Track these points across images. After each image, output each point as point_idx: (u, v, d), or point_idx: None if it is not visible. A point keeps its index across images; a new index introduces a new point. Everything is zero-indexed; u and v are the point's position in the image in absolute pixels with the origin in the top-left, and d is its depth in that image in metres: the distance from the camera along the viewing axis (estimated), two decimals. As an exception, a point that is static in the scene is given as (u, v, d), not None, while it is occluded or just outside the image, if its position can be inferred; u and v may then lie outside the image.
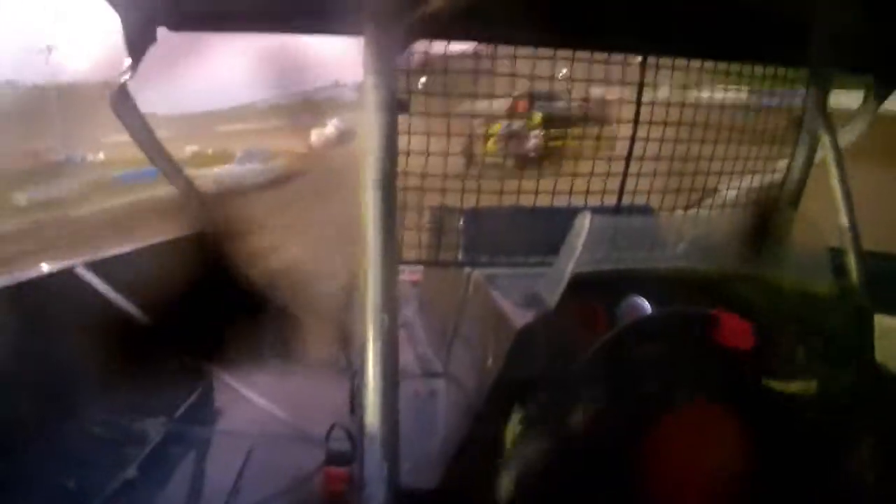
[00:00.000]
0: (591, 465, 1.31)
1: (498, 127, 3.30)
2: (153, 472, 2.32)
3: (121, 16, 1.83)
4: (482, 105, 2.35)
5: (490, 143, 3.38)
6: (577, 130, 2.79)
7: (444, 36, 1.95)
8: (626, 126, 2.33)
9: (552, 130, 3.55)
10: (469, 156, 2.79)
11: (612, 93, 2.41)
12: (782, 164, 2.37)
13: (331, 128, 18.06)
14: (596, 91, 2.36)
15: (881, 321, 1.75)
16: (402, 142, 1.86)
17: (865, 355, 1.68)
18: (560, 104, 2.99)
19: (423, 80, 2.15)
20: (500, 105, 2.63)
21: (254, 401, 2.61)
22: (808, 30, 1.73)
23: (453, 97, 2.15)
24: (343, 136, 16.91)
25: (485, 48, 2.10)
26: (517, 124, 3.50)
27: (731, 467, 1.26)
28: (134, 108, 2.20)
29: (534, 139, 3.96)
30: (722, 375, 1.33)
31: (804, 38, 1.80)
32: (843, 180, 2.13)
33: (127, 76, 2.01)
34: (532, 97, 3.00)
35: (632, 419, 1.31)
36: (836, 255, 1.95)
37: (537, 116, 3.66)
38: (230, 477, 2.23)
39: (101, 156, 17.27)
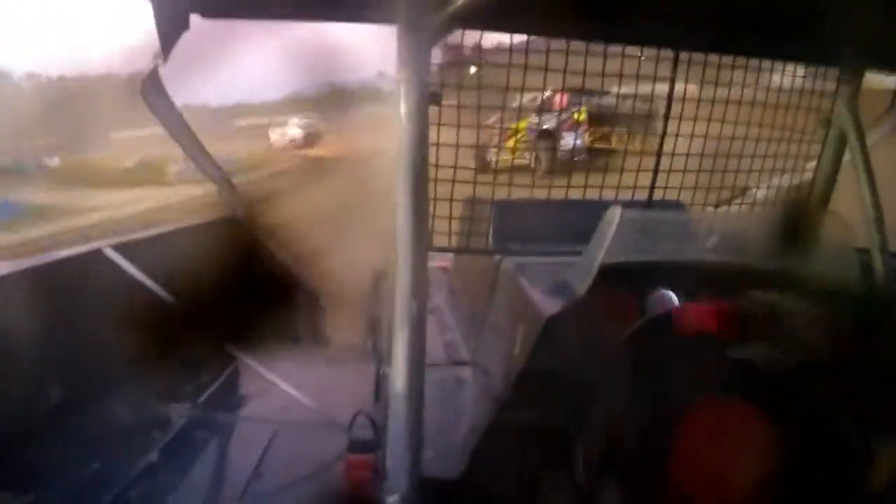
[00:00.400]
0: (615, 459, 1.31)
1: (525, 124, 3.03)
2: (176, 457, 2.34)
3: (153, 2, 1.84)
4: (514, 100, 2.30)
5: (513, 142, 3.05)
6: (622, 129, 2.64)
7: (477, 27, 1.94)
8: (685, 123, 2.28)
9: (597, 129, 3.24)
10: (482, 162, 2.62)
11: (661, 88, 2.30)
12: (812, 163, 2.36)
13: (294, 128, 16.84)
14: (643, 87, 2.29)
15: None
16: (433, 133, 1.87)
17: (892, 352, 1.66)
18: (607, 100, 2.71)
19: (472, 70, 2.14)
20: (532, 99, 2.53)
21: (279, 387, 2.63)
22: (838, 29, 1.72)
23: (487, 90, 2.14)
24: (310, 138, 15.97)
25: (516, 42, 2.09)
26: (550, 121, 3.10)
27: (757, 463, 1.26)
28: (165, 95, 2.21)
29: (572, 138, 3.31)
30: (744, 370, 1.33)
31: (835, 37, 1.78)
32: (871, 180, 2.12)
33: (158, 63, 2.02)
34: (574, 91, 2.74)
35: (658, 413, 1.31)
36: (864, 254, 1.93)
37: (582, 112, 3.21)
38: (253, 462, 2.25)
39: (56, 161, 16.00)
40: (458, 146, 2.09)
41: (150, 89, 2.16)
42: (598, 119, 3.31)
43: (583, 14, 1.71)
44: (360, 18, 1.91)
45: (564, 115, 3.04)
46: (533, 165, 2.99)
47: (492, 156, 2.80)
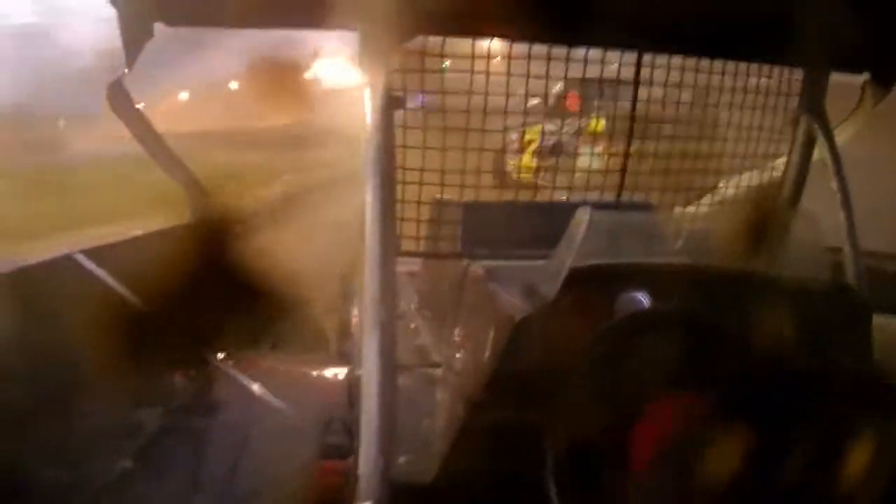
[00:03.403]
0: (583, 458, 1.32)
1: (535, 133, 2.54)
2: (149, 463, 2.32)
3: (118, 10, 1.84)
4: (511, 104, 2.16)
5: (527, 156, 2.64)
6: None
7: (438, 32, 1.93)
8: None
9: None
10: (501, 174, 2.42)
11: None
12: (781, 161, 2.38)
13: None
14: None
15: (880, 321, 1.76)
16: (399, 136, 1.87)
17: (863, 352, 1.69)
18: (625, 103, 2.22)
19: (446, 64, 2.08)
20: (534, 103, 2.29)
21: (252, 391, 2.62)
22: (802, 29, 1.74)
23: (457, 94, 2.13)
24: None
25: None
26: (563, 130, 2.62)
27: (722, 459, 1.27)
28: (130, 102, 2.22)
29: (588, 156, 2.46)
30: (714, 368, 1.34)
31: (799, 37, 1.80)
32: (841, 179, 2.14)
33: (123, 71, 2.02)
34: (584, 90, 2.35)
35: (623, 411, 1.32)
36: (834, 253, 1.96)
37: (599, 121, 2.49)
38: (226, 467, 2.24)
39: None
40: (424, 148, 2.09)
41: (115, 96, 2.17)
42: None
43: (543, 17, 1.71)
44: (322, 25, 1.92)
45: (581, 123, 2.53)
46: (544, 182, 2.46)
47: (512, 168, 2.59)
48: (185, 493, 2.28)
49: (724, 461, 1.25)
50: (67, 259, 2.56)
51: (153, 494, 2.24)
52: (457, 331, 2.03)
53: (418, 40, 1.92)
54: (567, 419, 1.34)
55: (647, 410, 1.31)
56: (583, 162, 2.48)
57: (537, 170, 2.47)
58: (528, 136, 2.59)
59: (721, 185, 2.41)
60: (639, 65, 2.18)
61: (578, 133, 2.59)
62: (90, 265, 2.58)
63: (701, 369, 1.35)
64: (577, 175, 2.22)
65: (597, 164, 2.40)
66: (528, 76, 2.09)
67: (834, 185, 2.11)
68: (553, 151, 2.53)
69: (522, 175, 2.59)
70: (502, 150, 2.40)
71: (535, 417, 1.34)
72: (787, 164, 2.35)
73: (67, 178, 7.78)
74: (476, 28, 1.93)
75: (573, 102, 2.57)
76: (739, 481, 1.24)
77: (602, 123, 2.47)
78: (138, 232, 3.03)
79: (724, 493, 1.25)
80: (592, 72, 2.14)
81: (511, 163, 2.61)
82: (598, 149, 2.45)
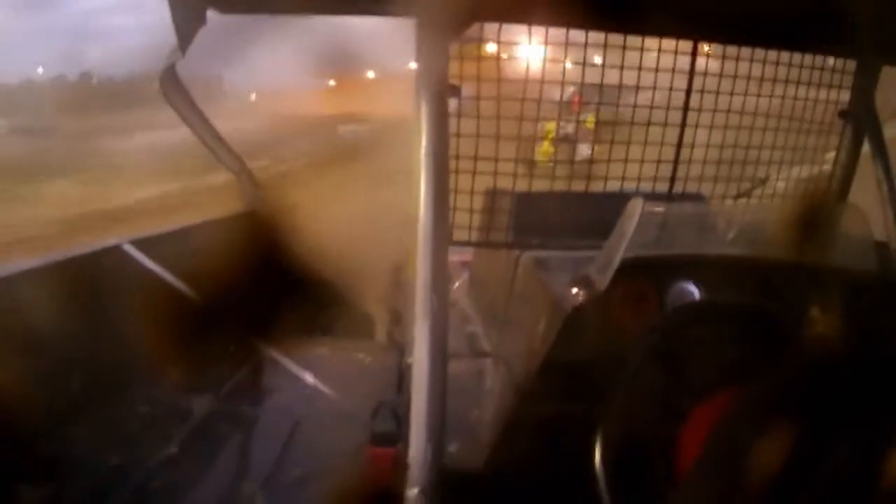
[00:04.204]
0: (633, 453, 1.32)
1: (552, 126, 2.71)
2: (197, 449, 2.36)
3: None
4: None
5: (545, 146, 2.76)
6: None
7: (496, 19, 1.94)
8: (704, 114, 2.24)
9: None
10: (529, 162, 2.46)
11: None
12: (831, 155, 2.35)
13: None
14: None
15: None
16: (453, 125, 1.88)
17: None
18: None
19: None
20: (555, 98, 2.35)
21: (301, 379, 2.65)
22: (855, 19, 1.71)
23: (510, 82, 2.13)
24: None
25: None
26: (571, 125, 2.79)
27: (774, 457, 1.26)
28: (183, 90, 2.25)
29: (586, 148, 2.74)
30: (770, 364, 1.33)
31: (852, 28, 1.78)
32: (888, 173, 2.11)
33: (175, 59, 2.04)
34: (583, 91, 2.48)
35: (675, 405, 1.31)
36: (883, 248, 1.93)
37: (591, 118, 2.72)
38: (274, 454, 2.27)
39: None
40: (478, 136, 2.09)
41: (168, 84, 2.19)
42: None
43: (601, 5, 1.71)
44: (377, 12, 1.92)
45: (581, 119, 2.74)
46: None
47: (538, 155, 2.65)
48: (232, 478, 2.32)
49: (775, 460, 1.24)
50: (116, 249, 2.61)
51: (201, 479, 2.28)
52: (507, 320, 2.04)
53: (475, 27, 1.92)
54: (617, 412, 1.34)
55: (698, 407, 1.30)
56: (581, 152, 2.67)
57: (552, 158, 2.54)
58: (546, 128, 2.66)
59: (771, 177, 2.39)
60: (694, 54, 2.16)
61: (576, 128, 2.79)
62: (139, 255, 2.63)
63: (752, 363, 1.34)
64: (628, 165, 2.20)
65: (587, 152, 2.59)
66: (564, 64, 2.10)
67: (881, 179, 2.08)
68: (564, 139, 2.67)
69: (540, 162, 2.62)
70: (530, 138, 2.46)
71: (584, 409, 1.34)
72: (836, 157, 2.33)
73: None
74: (533, 15, 1.92)
75: (575, 102, 2.65)
76: (791, 481, 1.23)
77: (591, 119, 2.64)
78: (187, 223, 3.07)
79: (775, 493, 1.24)
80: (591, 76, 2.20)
81: (538, 150, 2.64)
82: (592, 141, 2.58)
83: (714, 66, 2.21)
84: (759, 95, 2.24)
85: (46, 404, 2.16)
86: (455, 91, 1.84)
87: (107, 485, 2.10)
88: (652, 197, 1.84)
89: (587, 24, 1.99)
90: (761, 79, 2.21)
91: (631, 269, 1.52)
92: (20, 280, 2.15)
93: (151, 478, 2.18)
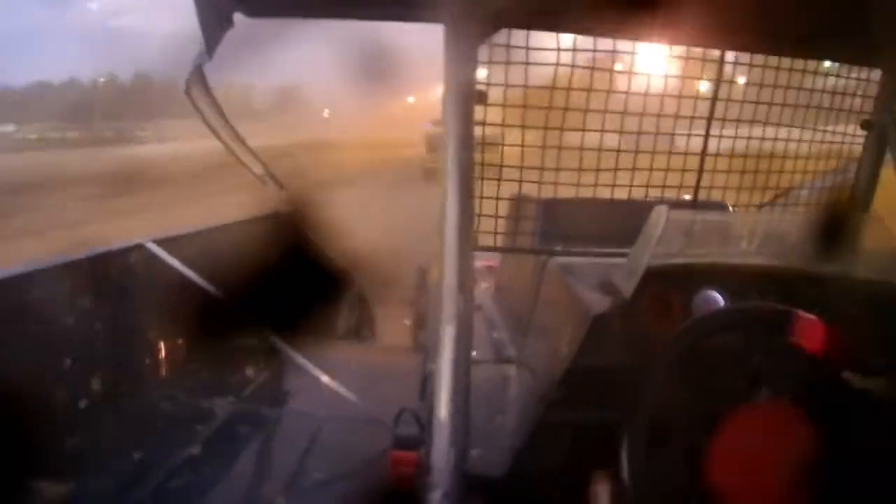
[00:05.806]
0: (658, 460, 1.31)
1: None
2: (219, 450, 2.37)
3: (197, 2, 1.85)
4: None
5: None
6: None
7: (524, 26, 1.94)
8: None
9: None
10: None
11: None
12: (855, 163, 2.34)
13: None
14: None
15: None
16: (479, 131, 1.88)
17: None
18: None
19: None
20: None
21: (324, 382, 2.66)
22: (880, 29, 1.71)
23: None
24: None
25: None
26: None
27: (801, 467, 1.25)
28: (208, 92, 2.26)
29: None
30: (796, 373, 1.33)
31: (877, 38, 1.77)
32: None
33: (203, 61, 2.06)
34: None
35: (702, 414, 1.31)
36: None
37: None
38: (296, 457, 2.28)
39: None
40: (503, 145, 2.10)
41: (194, 86, 2.21)
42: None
43: (629, 14, 1.71)
44: (406, 17, 1.93)
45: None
46: None
47: None
48: (254, 480, 2.33)
49: (801, 468, 1.24)
50: (140, 248, 2.63)
51: (222, 480, 2.29)
52: (532, 326, 2.04)
53: (503, 34, 1.93)
54: (642, 420, 1.34)
55: (725, 417, 1.30)
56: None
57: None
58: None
59: (795, 186, 2.38)
60: (721, 63, 2.16)
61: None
62: (162, 254, 2.64)
63: (777, 372, 1.34)
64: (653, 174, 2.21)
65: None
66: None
67: None
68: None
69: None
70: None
71: (609, 417, 1.34)
72: (860, 166, 2.32)
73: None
74: (562, 22, 1.93)
75: None
76: (818, 489, 1.23)
77: None
78: (211, 224, 3.08)
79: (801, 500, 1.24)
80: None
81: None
82: None
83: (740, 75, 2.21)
84: (783, 105, 2.23)
85: (69, 401, 2.19)
86: (482, 97, 1.85)
87: (127, 483, 2.11)
88: (676, 205, 1.84)
89: (614, 32, 2.00)
90: (786, 88, 2.21)
91: (657, 277, 1.52)
92: (45, 277, 2.17)
93: (172, 477, 2.19)
